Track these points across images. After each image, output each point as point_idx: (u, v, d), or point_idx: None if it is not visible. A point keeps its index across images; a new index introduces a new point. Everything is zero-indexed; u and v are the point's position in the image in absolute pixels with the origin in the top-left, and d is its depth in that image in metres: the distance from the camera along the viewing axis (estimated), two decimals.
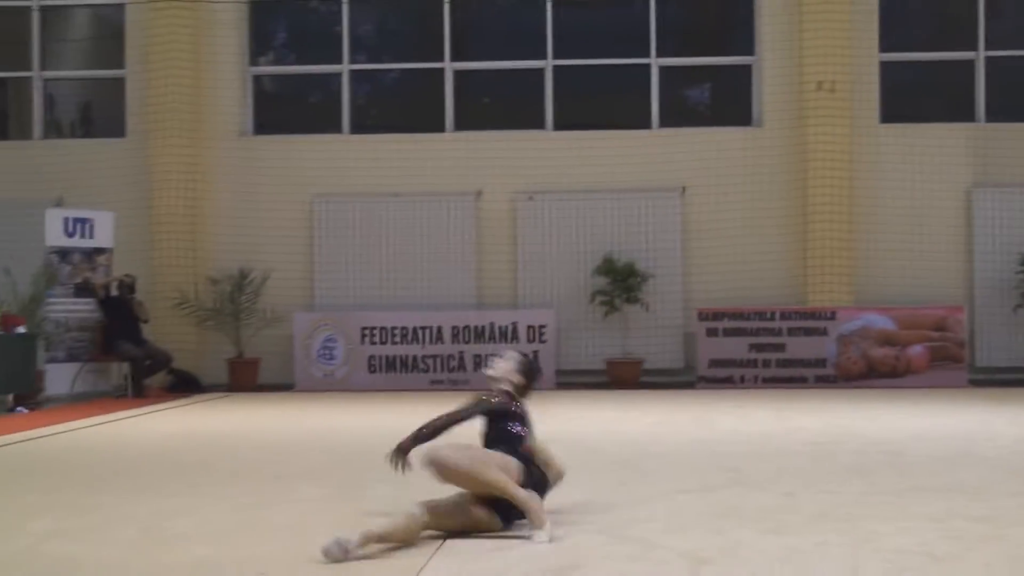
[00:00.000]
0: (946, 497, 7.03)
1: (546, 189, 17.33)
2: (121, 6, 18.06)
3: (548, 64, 17.67)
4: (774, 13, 17.24)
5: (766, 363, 16.15)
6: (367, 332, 16.58)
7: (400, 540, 5.57)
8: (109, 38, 18.59)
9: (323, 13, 18.48)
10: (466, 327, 16.55)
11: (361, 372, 16.51)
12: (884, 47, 17.31)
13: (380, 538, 5.51)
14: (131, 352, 15.60)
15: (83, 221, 16.13)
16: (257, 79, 18.20)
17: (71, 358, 15.69)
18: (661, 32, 17.60)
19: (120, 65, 18.05)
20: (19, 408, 13.72)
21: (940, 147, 17.11)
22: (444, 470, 5.82)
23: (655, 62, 17.60)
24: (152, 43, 17.50)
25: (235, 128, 17.79)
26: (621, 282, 16.51)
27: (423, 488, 6.29)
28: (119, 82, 18.09)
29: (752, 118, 17.54)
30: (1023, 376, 16.39)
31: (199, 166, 17.55)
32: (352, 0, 17.98)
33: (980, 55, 17.32)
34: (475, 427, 6.36)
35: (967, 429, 10.88)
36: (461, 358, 16.49)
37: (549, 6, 17.64)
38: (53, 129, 18.71)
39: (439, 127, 17.81)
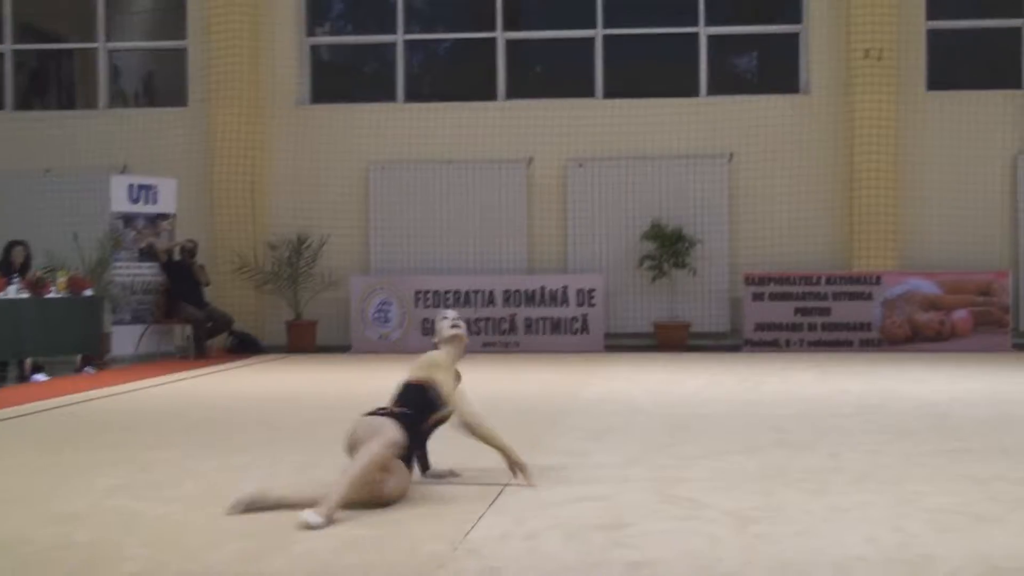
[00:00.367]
0: (989, 459, 6.97)
1: (596, 156, 17.27)
2: None
3: (598, 33, 17.56)
4: None
5: (811, 327, 16.04)
6: (421, 295, 16.62)
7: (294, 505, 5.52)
8: (171, 10, 18.66)
9: None
10: (517, 291, 16.55)
11: (415, 334, 16.55)
12: (931, 15, 17.06)
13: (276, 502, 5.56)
14: (193, 315, 15.73)
15: (147, 188, 16.26)
16: (314, 49, 18.21)
17: (136, 320, 15.84)
18: (709, 1, 17.43)
19: (182, 36, 18.13)
20: (87, 368, 13.88)
21: (986, 114, 16.88)
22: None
23: (703, 31, 17.45)
24: (212, 15, 17.54)
25: (292, 97, 17.83)
26: (669, 247, 16.44)
27: (478, 448, 6.32)
28: (181, 53, 18.18)
29: (799, 86, 17.37)
30: None
31: (258, 134, 17.61)
32: None
33: None
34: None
35: (1011, 393, 10.77)
36: (512, 321, 16.49)
37: None
38: (118, 99, 18.83)
39: (491, 96, 17.77)
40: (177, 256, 16.15)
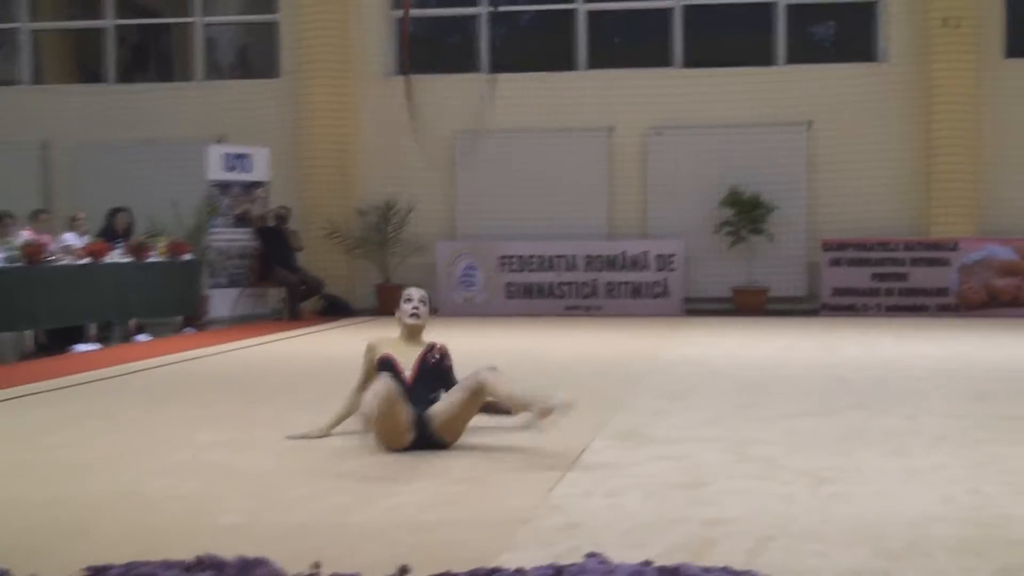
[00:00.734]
0: None
1: (675, 124, 17.14)
2: None
3: (677, 3, 17.39)
4: None
5: (888, 292, 15.84)
6: (505, 260, 16.65)
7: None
8: None
9: None
10: (599, 256, 16.52)
11: (499, 298, 16.60)
12: None
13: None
14: (287, 278, 15.90)
15: (241, 157, 16.44)
16: (400, 22, 18.24)
17: (232, 283, 16.07)
18: None
19: (274, 10, 18.25)
20: (187, 329, 14.12)
21: None
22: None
23: (782, 0, 17.21)
24: None
25: (380, 68, 17.89)
26: (747, 213, 16.31)
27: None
28: (273, 26, 18.30)
29: (877, 54, 17.08)
30: None
31: (348, 104, 17.71)
32: None
33: None
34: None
35: None
36: (594, 285, 16.47)
37: None
38: (214, 71, 19.03)
39: (573, 66, 17.70)
40: (271, 222, 16.33)
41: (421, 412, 5.97)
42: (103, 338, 13.11)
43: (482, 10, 17.85)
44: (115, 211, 14.71)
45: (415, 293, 6.55)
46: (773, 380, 9.02)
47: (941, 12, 16.31)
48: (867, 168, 16.78)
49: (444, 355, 6.36)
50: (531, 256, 16.57)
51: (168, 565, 3.22)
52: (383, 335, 6.65)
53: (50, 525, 4.59)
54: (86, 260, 12.71)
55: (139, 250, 13.63)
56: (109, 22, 18.67)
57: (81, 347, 11.90)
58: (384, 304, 16.80)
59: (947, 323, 14.46)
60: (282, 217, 16.35)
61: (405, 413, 5.86)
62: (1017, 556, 4.01)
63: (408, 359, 6.28)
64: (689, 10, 17.41)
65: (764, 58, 17.30)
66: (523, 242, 16.89)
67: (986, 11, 16.50)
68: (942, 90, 16.36)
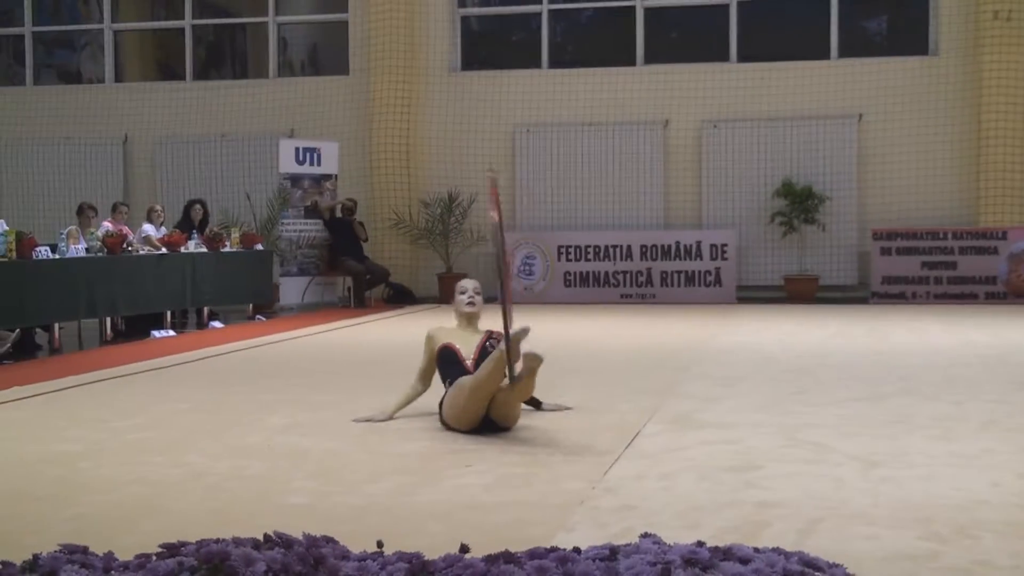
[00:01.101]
0: None
1: (729, 117, 17.00)
2: None
3: (732, 0, 17.25)
4: None
5: (937, 280, 15.63)
6: (563, 250, 16.61)
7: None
8: None
9: None
10: (654, 245, 16.42)
11: (557, 286, 16.57)
12: None
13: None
14: (354, 267, 15.98)
15: (312, 150, 16.53)
16: (465, 19, 18.23)
17: (302, 272, 16.18)
18: None
19: (344, 9, 18.31)
20: (258, 316, 14.24)
21: None
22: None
23: None
24: None
25: (445, 65, 17.90)
26: (799, 204, 16.14)
27: (610, 395, 6.30)
28: (343, 24, 18.37)
29: (928, 48, 16.83)
30: None
31: (413, 100, 17.74)
32: None
33: None
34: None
35: None
36: (649, 274, 16.40)
37: None
38: (286, 68, 19.15)
39: (630, 61, 17.60)
40: (339, 213, 16.41)
41: None
42: (179, 325, 13.26)
43: (543, 7, 17.79)
44: (191, 203, 14.88)
45: (469, 284, 6.62)
46: (823, 367, 8.93)
47: (993, 6, 16.03)
48: (917, 159, 16.55)
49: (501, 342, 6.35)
50: (588, 246, 16.52)
51: (238, 542, 3.24)
52: (441, 325, 6.66)
53: (127, 504, 4.65)
54: (163, 251, 12.86)
55: (213, 240, 13.77)
56: (187, 22, 18.83)
57: (158, 333, 12.04)
58: (446, 292, 16.79)
59: (995, 311, 14.24)
60: (349, 209, 16.42)
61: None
62: None
63: (468, 348, 6.28)
64: (744, 6, 17.24)
65: (817, 52, 17.09)
66: (580, 232, 16.85)
67: None
68: (992, 83, 16.08)
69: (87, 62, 19.80)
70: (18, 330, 10.56)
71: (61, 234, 11.34)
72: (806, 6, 17.43)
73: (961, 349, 10.09)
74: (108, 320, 11.91)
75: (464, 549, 3.28)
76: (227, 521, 4.22)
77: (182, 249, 13.10)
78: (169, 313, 12.80)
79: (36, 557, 3.14)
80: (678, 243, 16.39)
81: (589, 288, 16.49)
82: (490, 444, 5.75)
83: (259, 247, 14.73)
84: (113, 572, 3.11)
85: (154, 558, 3.16)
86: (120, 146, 18.56)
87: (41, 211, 18.07)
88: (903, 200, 16.52)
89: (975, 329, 11.86)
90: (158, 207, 14.23)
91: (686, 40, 18.23)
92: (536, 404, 6.64)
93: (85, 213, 12.69)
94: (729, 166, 16.93)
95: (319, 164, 16.52)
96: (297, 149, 16.41)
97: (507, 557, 3.20)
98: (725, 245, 16.26)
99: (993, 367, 8.81)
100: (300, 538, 3.26)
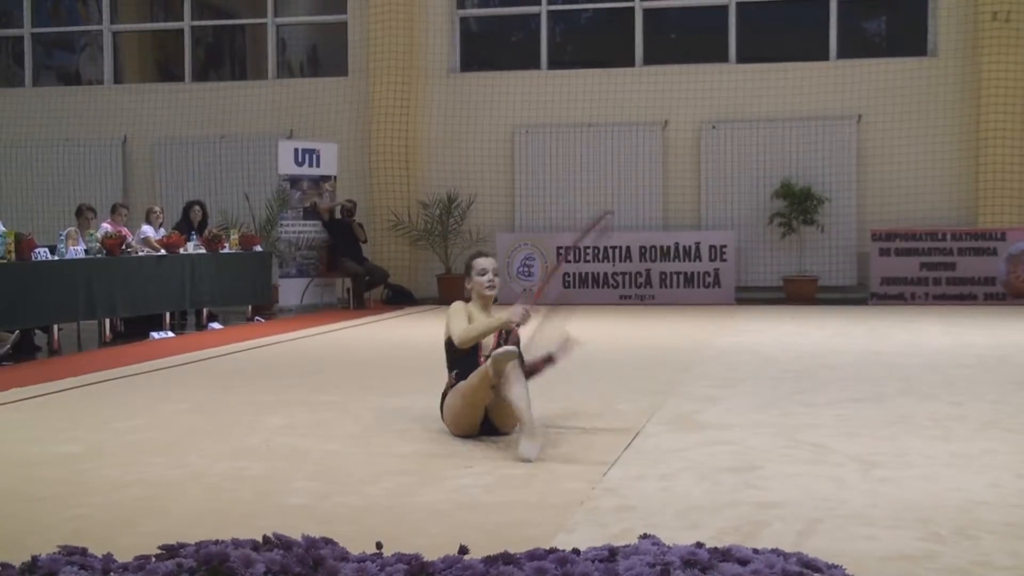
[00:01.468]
0: None
1: (728, 118, 17.00)
2: None
3: (731, 0, 17.24)
4: None
5: (936, 281, 15.62)
6: (562, 251, 16.62)
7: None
8: None
9: None
10: (652, 247, 16.42)
11: (556, 287, 16.55)
12: None
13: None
14: (353, 269, 15.97)
15: (311, 151, 16.52)
16: (464, 21, 18.23)
17: (301, 274, 16.17)
18: None
19: (343, 10, 18.31)
20: (257, 318, 14.23)
21: None
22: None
23: None
24: None
25: (444, 66, 17.90)
26: (798, 205, 16.14)
27: (614, 395, 6.29)
28: (342, 26, 18.37)
29: (927, 48, 16.83)
30: None
31: (412, 101, 17.73)
32: None
33: None
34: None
35: None
36: (648, 275, 16.39)
37: None
38: (285, 69, 19.14)
39: (629, 62, 17.60)
40: (338, 215, 16.40)
41: None
42: (178, 326, 13.25)
43: (542, 8, 17.78)
44: (190, 204, 14.90)
45: (488, 264, 6.15)
46: (823, 367, 8.93)
47: (991, 6, 16.03)
48: (916, 160, 16.55)
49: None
50: (587, 247, 16.51)
51: (237, 544, 3.24)
52: (461, 302, 6.33)
53: (126, 505, 4.65)
54: (162, 252, 12.85)
55: (212, 242, 13.76)
56: (185, 23, 18.83)
57: (157, 335, 12.03)
58: (445, 293, 16.83)
59: (994, 312, 14.24)
60: (348, 210, 16.41)
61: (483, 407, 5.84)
62: None
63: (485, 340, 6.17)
64: (743, 7, 17.23)
65: (816, 53, 17.09)
66: (580, 233, 16.81)
67: None
68: (991, 84, 16.09)
69: (86, 63, 19.80)
70: (17, 331, 10.56)
71: (60, 235, 11.33)
72: (805, 7, 17.44)
73: (960, 350, 10.09)
74: (107, 321, 11.90)
75: (463, 550, 3.28)
76: (226, 522, 4.21)
77: (181, 250, 13.08)
78: (168, 314, 12.79)
79: (35, 559, 3.14)
80: (677, 244, 16.38)
81: (588, 289, 16.48)
82: (490, 445, 5.75)
83: (258, 248, 14.72)
84: (112, 573, 3.11)
85: (153, 559, 3.16)
86: (119, 147, 18.56)
87: (40, 212, 18.09)
88: (902, 201, 16.52)
89: (974, 330, 11.86)
90: (157, 208, 14.22)
91: (685, 41, 18.23)
92: (550, 360, 6.03)
93: (84, 214, 12.68)
94: (728, 167, 16.92)
95: (318, 165, 16.51)
96: (296, 150, 16.40)
97: (506, 558, 3.19)
98: (724, 246, 16.25)
99: (992, 368, 8.81)
100: (299, 539, 3.26)
